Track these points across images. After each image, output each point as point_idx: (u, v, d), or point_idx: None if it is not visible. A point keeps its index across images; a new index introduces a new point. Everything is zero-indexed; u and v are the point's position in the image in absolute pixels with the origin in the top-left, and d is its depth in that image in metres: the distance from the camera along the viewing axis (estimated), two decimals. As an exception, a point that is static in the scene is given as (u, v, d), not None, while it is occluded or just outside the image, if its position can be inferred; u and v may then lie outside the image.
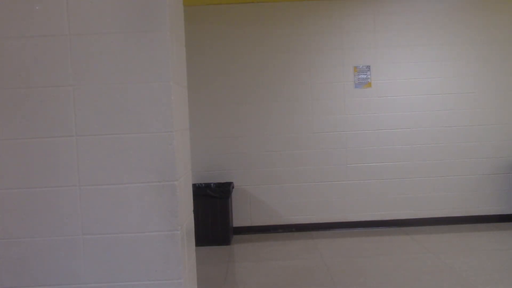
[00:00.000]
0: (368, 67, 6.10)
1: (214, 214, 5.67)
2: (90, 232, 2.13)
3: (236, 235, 6.17)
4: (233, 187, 6.08)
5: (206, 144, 6.12)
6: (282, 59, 6.10)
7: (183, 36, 2.58)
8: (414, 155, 6.12)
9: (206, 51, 6.08)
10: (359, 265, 4.77)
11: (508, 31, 6.06)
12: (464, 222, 6.14)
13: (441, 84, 6.09)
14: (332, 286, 4.19)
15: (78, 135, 2.11)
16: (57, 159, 2.11)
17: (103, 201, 2.12)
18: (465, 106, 6.09)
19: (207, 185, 6.03)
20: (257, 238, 6.04)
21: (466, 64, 6.08)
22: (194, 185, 6.06)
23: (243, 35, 6.08)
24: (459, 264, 4.58)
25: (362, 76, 6.10)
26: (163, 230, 2.13)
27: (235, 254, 5.38)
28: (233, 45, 6.09)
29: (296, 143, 6.15)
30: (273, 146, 6.20)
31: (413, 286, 4.11)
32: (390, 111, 6.12)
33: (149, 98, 2.11)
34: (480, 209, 6.15)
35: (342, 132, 6.05)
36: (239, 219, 6.21)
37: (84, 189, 2.12)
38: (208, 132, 6.10)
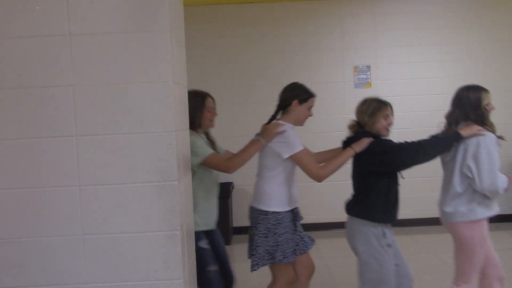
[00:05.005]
0: (368, 67, 6.10)
1: (214, 214, 5.66)
2: (90, 232, 2.13)
3: (236, 235, 6.17)
4: (233, 187, 6.08)
5: (206, 144, 6.11)
6: (282, 59, 6.09)
7: (183, 36, 2.58)
8: (414, 155, 6.10)
9: (206, 51, 6.07)
10: (359, 265, 4.76)
11: (508, 31, 6.06)
12: (464, 222, 6.13)
13: (441, 84, 6.08)
14: (333, 286, 4.19)
15: (78, 135, 2.11)
16: (57, 159, 2.11)
17: (103, 201, 2.12)
18: (465, 106, 6.07)
19: (207, 185, 6.02)
20: (257, 238, 6.03)
21: (466, 64, 6.08)
22: (194, 185, 6.06)
23: (243, 35, 6.08)
24: (459, 264, 4.57)
25: (362, 76, 6.10)
26: (163, 230, 2.13)
27: (235, 254, 5.39)
28: (233, 45, 6.08)
29: (296, 143, 6.13)
30: (273, 146, 6.19)
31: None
32: (390, 111, 6.10)
33: (149, 98, 2.10)
34: (480, 209, 6.14)
35: (342, 132, 6.02)
36: (239, 219, 6.21)
37: (84, 189, 2.12)
38: (208, 132, 6.09)
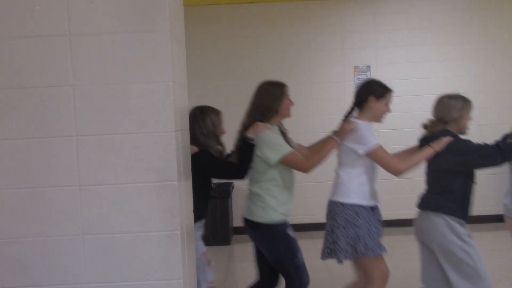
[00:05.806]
0: (368, 67, 6.09)
1: (214, 214, 5.67)
2: (90, 232, 2.13)
3: (236, 235, 6.17)
4: (233, 187, 6.08)
5: (206, 144, 6.11)
6: (282, 59, 6.09)
7: (183, 36, 2.58)
8: (414, 155, 6.11)
9: (206, 51, 6.07)
10: (359, 265, 4.76)
11: (508, 31, 6.06)
12: (464, 222, 6.12)
13: (441, 84, 6.07)
14: (333, 286, 4.19)
15: (78, 135, 2.11)
16: (57, 159, 2.11)
17: (103, 201, 2.12)
18: (465, 106, 6.07)
19: (207, 185, 6.02)
20: (257, 238, 6.03)
21: (466, 64, 6.08)
22: (194, 185, 6.05)
23: (243, 35, 6.08)
24: (459, 264, 4.56)
25: (362, 76, 6.10)
26: (163, 230, 2.13)
27: (235, 254, 5.39)
28: (233, 45, 6.08)
29: (296, 143, 6.14)
30: (273, 146, 6.19)
31: (413, 286, 4.10)
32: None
33: (149, 98, 2.11)
34: (480, 209, 6.13)
35: (342, 132, 6.04)
36: (239, 219, 6.19)
37: (84, 189, 2.12)
38: (208, 132, 6.09)
